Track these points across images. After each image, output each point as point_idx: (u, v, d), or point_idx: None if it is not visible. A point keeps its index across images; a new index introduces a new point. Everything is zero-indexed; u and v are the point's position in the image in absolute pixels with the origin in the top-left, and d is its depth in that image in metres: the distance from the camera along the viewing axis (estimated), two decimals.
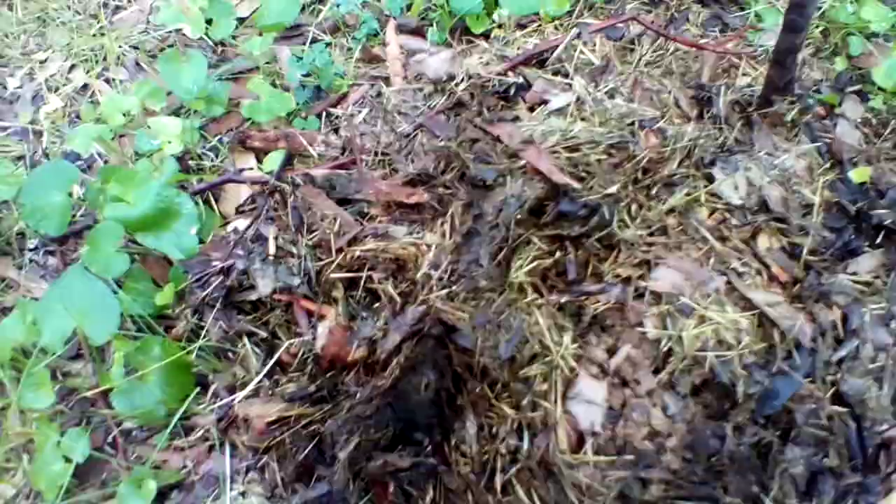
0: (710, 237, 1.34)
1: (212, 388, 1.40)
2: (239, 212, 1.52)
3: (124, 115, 1.68)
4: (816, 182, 1.44)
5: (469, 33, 1.75)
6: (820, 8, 1.78)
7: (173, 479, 1.33)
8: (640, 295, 1.29)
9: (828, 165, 1.50)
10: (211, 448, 1.36)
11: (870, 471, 1.27)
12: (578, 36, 1.58)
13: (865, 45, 1.69)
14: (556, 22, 1.76)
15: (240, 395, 1.24)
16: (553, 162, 1.35)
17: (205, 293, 1.36)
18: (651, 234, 1.35)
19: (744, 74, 1.66)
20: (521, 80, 1.53)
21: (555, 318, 1.24)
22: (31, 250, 1.62)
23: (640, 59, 1.70)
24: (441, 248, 1.27)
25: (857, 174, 1.42)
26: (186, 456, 1.36)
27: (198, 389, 1.37)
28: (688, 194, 1.38)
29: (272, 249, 1.32)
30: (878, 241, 1.41)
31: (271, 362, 1.24)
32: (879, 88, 1.63)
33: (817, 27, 1.77)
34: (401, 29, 1.79)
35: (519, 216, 1.28)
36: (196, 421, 1.39)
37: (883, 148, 1.58)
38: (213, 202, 1.59)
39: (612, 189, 1.30)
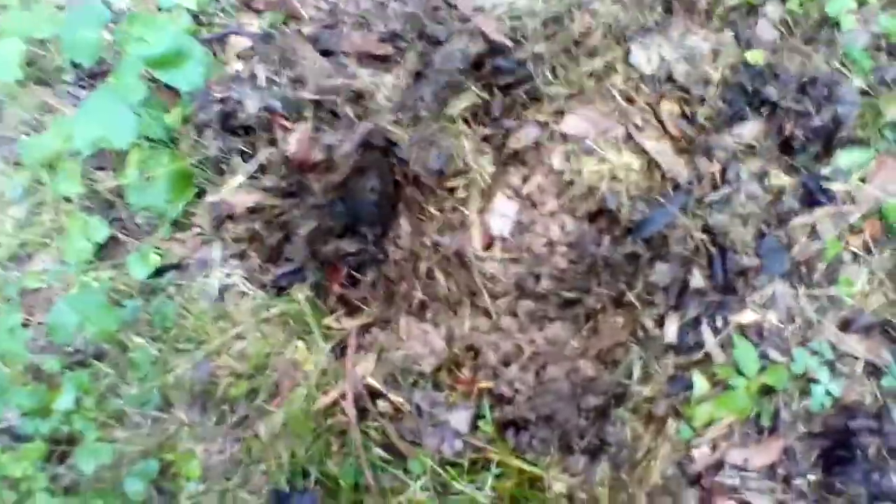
0: (619, 97, 1.63)
1: (208, 196, 1.72)
2: (239, 57, 1.83)
3: None
4: (720, 62, 1.71)
5: None
6: None
7: (173, 260, 1.67)
8: (552, 137, 1.59)
9: (737, 51, 1.77)
10: (204, 241, 1.70)
11: (729, 292, 1.58)
12: None
13: None
14: None
15: (228, 188, 1.57)
16: (496, 26, 1.63)
17: (206, 116, 1.67)
18: (570, 91, 1.64)
19: None
20: None
21: (479, 145, 1.54)
22: (67, 83, 1.94)
23: None
24: (395, 86, 1.57)
25: (753, 55, 1.69)
26: (185, 246, 1.70)
27: (196, 192, 1.70)
28: (606, 62, 1.66)
29: (261, 81, 1.63)
30: (764, 113, 1.69)
31: (254, 164, 1.56)
32: None
33: None
34: None
35: (461, 66, 1.57)
36: (194, 220, 1.72)
37: (791, 44, 1.84)
38: (219, 52, 1.90)
39: (539, 48, 1.59)
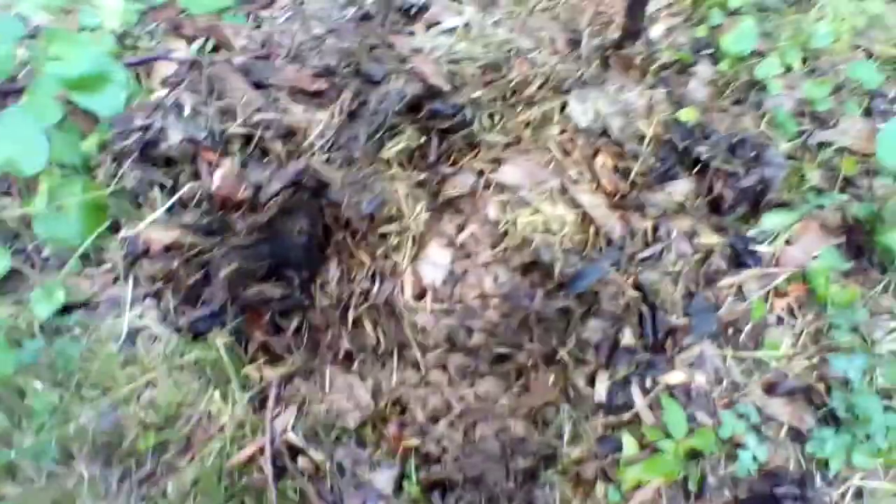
0: (556, 149, 1.62)
1: (122, 230, 1.62)
2: (163, 84, 1.73)
3: None
4: (653, 119, 1.73)
5: None
6: None
7: (80, 298, 1.56)
8: (488, 185, 1.57)
9: (669, 108, 1.79)
10: (116, 279, 1.59)
11: (658, 351, 1.57)
12: None
13: (723, 17, 1.98)
14: None
15: (145, 223, 1.47)
16: (434, 69, 1.61)
17: (124, 144, 1.57)
18: (508, 140, 1.62)
19: (618, 29, 1.94)
20: (422, 2, 1.78)
21: (413, 190, 1.50)
22: None
23: (534, 6, 1.96)
24: (328, 124, 1.52)
25: (685, 113, 1.71)
26: (94, 283, 1.59)
27: (110, 225, 1.59)
28: (543, 113, 1.65)
29: (187, 111, 1.55)
30: (694, 172, 1.70)
31: (174, 198, 1.47)
32: (727, 54, 1.92)
33: None
34: None
35: (397, 108, 1.54)
36: (106, 255, 1.61)
37: (721, 103, 1.88)
38: (143, 77, 1.81)
39: (478, 94, 1.57)
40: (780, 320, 1.57)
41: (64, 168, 1.63)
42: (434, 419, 1.44)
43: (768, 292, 1.59)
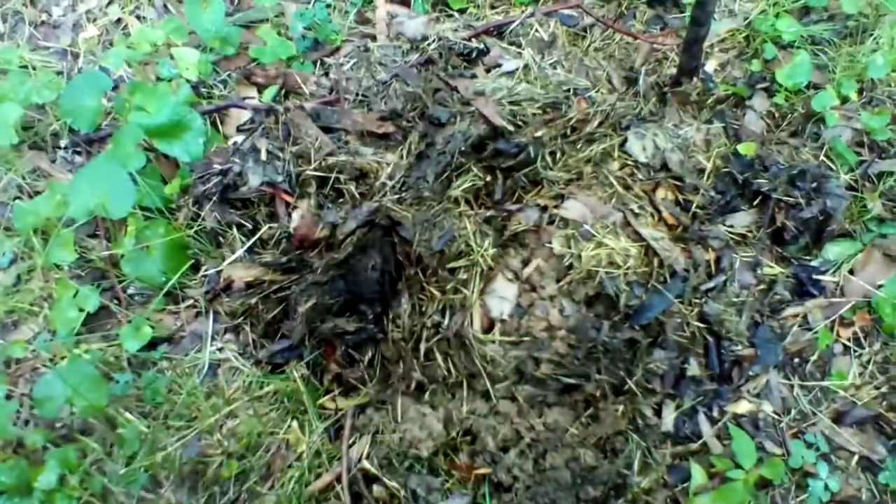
0: (616, 184, 1.66)
1: (203, 268, 1.71)
2: (239, 130, 1.83)
3: (151, 45, 2.00)
4: (712, 152, 1.76)
5: (448, 7, 2.07)
6: (747, 18, 2.11)
7: (165, 332, 1.64)
8: (552, 221, 1.61)
9: (726, 141, 1.82)
10: (198, 314, 1.68)
11: (724, 381, 1.59)
12: (532, 15, 1.90)
13: (777, 51, 2.01)
14: (523, 7, 2.08)
15: (227, 262, 1.56)
16: (496, 110, 1.67)
17: (205, 188, 1.67)
18: (569, 176, 1.67)
19: (672, 65, 1.98)
20: (481, 46, 1.85)
21: (480, 227, 1.56)
22: (62, 148, 1.92)
23: (589, 45, 2.03)
24: (397, 165, 1.59)
25: (744, 147, 1.74)
26: (177, 318, 1.68)
27: (191, 264, 1.68)
28: (603, 149, 1.70)
29: (263, 155, 1.64)
30: (755, 204, 1.73)
31: (254, 238, 1.56)
32: (782, 87, 1.95)
33: (742, 34, 2.09)
34: None
35: (463, 148, 1.60)
36: (187, 292, 1.70)
37: (778, 136, 1.90)
38: (218, 124, 1.91)
39: (540, 133, 1.63)
40: (846, 350, 1.58)
41: (147, 211, 1.73)
42: (504, 448, 1.48)
43: (833, 322, 1.60)
